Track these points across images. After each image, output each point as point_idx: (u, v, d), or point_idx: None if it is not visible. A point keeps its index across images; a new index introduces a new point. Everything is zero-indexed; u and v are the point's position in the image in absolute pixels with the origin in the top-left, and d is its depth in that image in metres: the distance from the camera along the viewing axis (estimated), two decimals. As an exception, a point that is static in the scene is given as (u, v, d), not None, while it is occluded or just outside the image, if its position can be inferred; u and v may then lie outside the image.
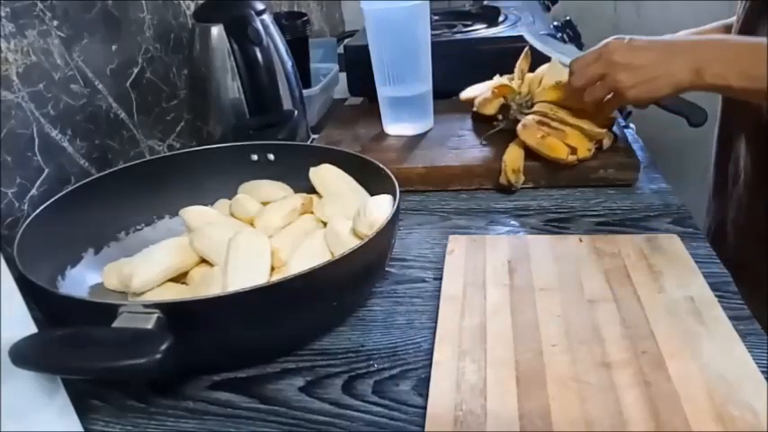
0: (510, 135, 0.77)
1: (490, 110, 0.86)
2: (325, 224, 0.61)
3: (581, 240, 0.62)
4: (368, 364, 0.50)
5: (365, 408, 0.46)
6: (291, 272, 0.51)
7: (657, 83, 0.66)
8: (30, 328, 0.39)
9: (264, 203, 0.64)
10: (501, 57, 0.90)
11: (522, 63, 0.86)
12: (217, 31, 0.81)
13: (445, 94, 0.94)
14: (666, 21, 0.92)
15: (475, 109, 0.89)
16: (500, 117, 0.83)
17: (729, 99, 0.82)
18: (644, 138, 0.88)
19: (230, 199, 0.67)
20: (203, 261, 0.58)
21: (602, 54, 0.69)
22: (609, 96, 0.70)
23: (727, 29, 0.84)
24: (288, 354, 0.52)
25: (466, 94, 0.91)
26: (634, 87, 0.67)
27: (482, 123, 0.86)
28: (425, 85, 0.87)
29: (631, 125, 0.96)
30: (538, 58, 0.85)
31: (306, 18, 1.06)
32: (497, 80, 0.88)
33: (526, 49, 0.86)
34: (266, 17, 0.83)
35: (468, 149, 0.81)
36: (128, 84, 0.81)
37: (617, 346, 0.48)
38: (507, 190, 0.75)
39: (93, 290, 0.58)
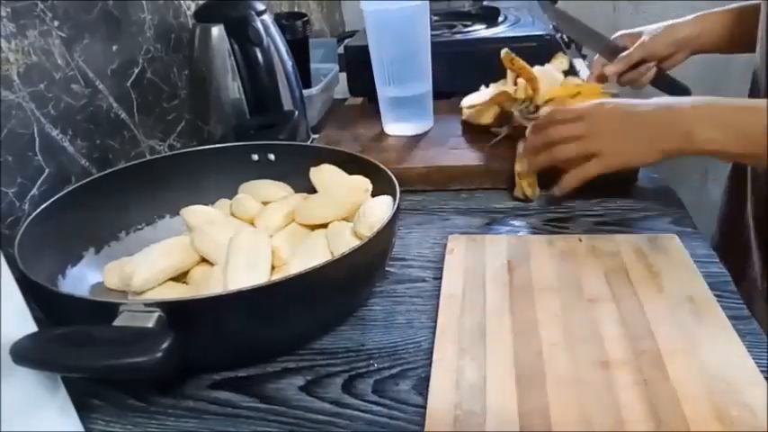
0: (510, 141, 0.77)
1: (486, 119, 0.84)
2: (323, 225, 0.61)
3: (581, 240, 0.62)
4: (368, 363, 0.50)
5: (365, 407, 0.46)
6: (291, 271, 0.51)
7: (642, 150, 0.63)
8: (30, 326, 0.39)
9: (265, 203, 0.65)
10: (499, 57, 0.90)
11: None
12: (217, 31, 0.81)
13: (445, 94, 0.94)
14: (666, 21, 0.93)
15: (464, 118, 0.88)
16: (499, 126, 0.82)
17: (753, 92, 0.82)
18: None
19: (231, 199, 0.67)
20: (204, 260, 0.58)
21: (584, 116, 0.65)
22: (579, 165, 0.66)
23: (731, 14, 0.86)
24: (288, 353, 0.52)
25: (468, 104, 0.88)
26: (616, 156, 0.64)
27: (476, 133, 0.85)
28: (425, 85, 0.87)
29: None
30: (526, 58, 0.84)
31: (306, 18, 1.06)
32: (492, 89, 0.88)
33: (505, 51, 0.84)
34: (266, 17, 0.83)
35: (468, 149, 0.81)
36: (128, 84, 0.81)
37: (616, 345, 0.48)
38: (524, 201, 0.73)
39: (93, 289, 0.58)
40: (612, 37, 0.94)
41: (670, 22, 0.90)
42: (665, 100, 0.64)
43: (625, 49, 0.90)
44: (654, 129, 0.62)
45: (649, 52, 0.89)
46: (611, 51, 0.91)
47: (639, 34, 0.91)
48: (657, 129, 0.62)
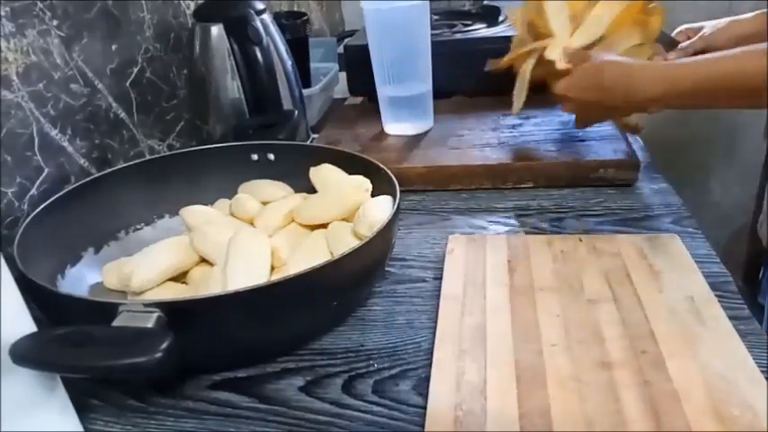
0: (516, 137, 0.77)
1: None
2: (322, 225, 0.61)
3: (581, 240, 0.62)
4: (368, 363, 0.50)
5: (365, 407, 0.46)
6: (291, 271, 0.51)
7: (599, 117, 0.75)
8: (30, 326, 0.39)
9: (264, 203, 0.64)
10: (501, 57, 0.90)
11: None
12: (217, 30, 0.81)
13: (445, 94, 0.94)
14: (666, 21, 0.93)
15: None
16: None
17: None
18: (644, 137, 0.88)
19: (230, 198, 0.67)
20: (203, 260, 0.58)
21: (568, 74, 0.71)
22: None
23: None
24: (288, 353, 0.52)
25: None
26: (580, 122, 0.76)
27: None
28: (425, 85, 0.87)
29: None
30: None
31: (306, 18, 1.06)
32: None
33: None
34: (266, 17, 0.83)
35: (468, 149, 0.81)
36: (128, 83, 0.81)
37: (617, 345, 0.48)
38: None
39: (92, 289, 0.58)
40: (675, 32, 0.95)
41: (732, 17, 0.91)
42: (622, 60, 0.70)
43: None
44: (608, 91, 0.69)
45: (710, 44, 0.89)
46: (670, 44, 0.92)
47: (701, 28, 0.92)
48: (611, 90, 0.68)
